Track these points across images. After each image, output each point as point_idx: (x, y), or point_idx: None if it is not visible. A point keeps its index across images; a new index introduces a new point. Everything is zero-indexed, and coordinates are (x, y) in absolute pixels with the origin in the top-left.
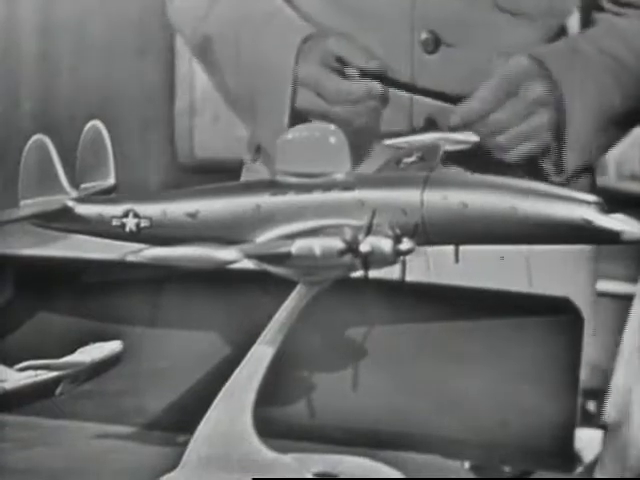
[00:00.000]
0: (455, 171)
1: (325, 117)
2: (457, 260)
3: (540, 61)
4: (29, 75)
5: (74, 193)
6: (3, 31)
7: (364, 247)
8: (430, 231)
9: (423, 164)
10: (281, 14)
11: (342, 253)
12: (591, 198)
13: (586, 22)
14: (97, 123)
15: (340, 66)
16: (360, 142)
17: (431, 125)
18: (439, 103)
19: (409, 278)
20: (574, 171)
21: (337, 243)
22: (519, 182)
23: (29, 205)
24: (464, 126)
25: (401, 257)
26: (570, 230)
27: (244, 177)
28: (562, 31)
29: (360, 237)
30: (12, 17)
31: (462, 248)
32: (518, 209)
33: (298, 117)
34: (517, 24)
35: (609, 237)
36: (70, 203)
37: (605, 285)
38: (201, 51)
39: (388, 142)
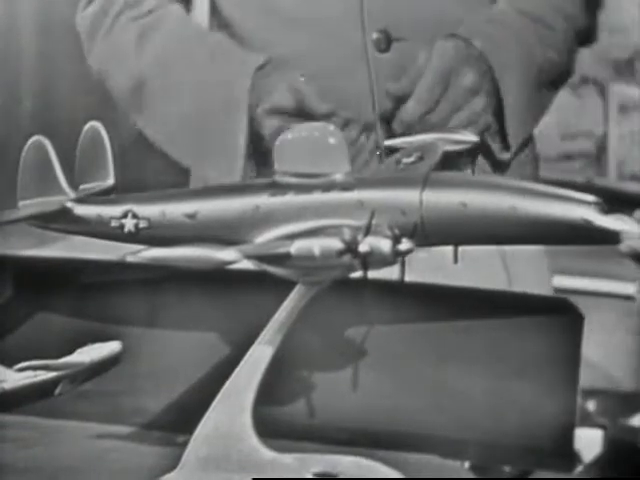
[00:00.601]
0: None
1: (304, 113)
2: (456, 260)
3: (466, 39)
4: (28, 75)
5: (73, 194)
6: (3, 30)
7: (363, 247)
8: (429, 231)
9: (422, 164)
10: (222, 47)
11: (341, 253)
12: (591, 198)
13: None
14: (96, 124)
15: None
16: None
17: None
18: None
19: (408, 278)
20: (518, 145)
21: (336, 243)
22: (518, 182)
23: (28, 206)
24: (407, 128)
25: (400, 257)
26: (570, 230)
27: None
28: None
29: (359, 237)
30: (12, 16)
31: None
32: (517, 209)
33: (257, 150)
34: (463, 4)
35: (609, 237)
36: (69, 204)
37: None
38: (132, 94)
39: (387, 142)
